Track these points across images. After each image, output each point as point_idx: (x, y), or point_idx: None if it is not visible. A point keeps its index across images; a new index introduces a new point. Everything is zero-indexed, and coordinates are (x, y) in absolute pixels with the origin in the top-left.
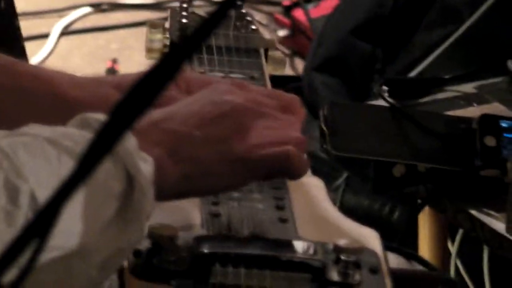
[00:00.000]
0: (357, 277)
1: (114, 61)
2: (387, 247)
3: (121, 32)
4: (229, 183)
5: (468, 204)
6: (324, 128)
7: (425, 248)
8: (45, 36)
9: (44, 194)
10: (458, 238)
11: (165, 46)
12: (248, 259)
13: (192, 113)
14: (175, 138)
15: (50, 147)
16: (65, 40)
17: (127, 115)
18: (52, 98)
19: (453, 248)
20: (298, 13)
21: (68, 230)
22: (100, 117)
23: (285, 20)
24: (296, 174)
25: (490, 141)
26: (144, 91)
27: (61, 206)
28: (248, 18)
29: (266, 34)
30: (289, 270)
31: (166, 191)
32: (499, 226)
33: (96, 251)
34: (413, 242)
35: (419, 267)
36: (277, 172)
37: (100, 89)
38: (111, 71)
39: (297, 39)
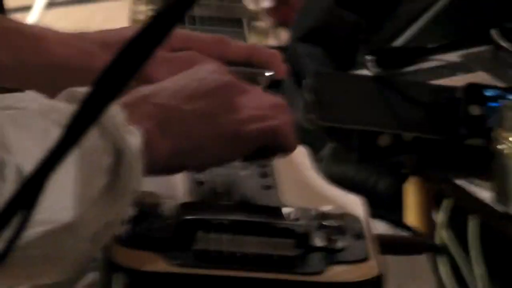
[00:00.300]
0: (340, 242)
1: None
2: (372, 214)
3: (106, 4)
4: (218, 159)
5: (454, 173)
6: (309, 98)
7: (411, 218)
8: (28, 8)
9: (30, 167)
10: (444, 208)
11: None
12: (231, 226)
13: (180, 88)
14: (164, 112)
15: (38, 120)
16: (50, 12)
17: (113, 82)
18: (37, 55)
19: (439, 218)
20: None
21: (57, 204)
22: (83, 90)
23: None
24: (285, 149)
25: (475, 110)
26: (129, 58)
27: (47, 177)
28: None
29: (251, 5)
30: (273, 236)
31: (156, 166)
32: (485, 195)
33: (86, 225)
34: (399, 212)
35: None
36: (266, 146)
37: (85, 46)
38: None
39: (282, 9)
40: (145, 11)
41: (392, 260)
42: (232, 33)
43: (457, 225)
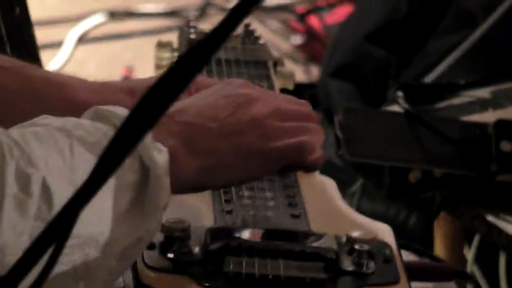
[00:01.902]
0: (370, 266)
1: (130, 69)
2: (400, 244)
3: (136, 40)
4: (245, 175)
5: (484, 209)
6: (339, 134)
7: (442, 254)
8: (59, 44)
9: (55, 182)
10: (474, 243)
11: None
12: (261, 250)
13: (207, 105)
14: (190, 129)
15: (62, 136)
16: (80, 48)
17: (145, 118)
18: (62, 102)
19: (469, 254)
20: (313, 20)
21: (86, 219)
22: (113, 109)
23: (300, 27)
24: (311, 166)
25: (506, 146)
26: (159, 96)
27: (79, 210)
28: (256, 34)
29: (281, 43)
30: (303, 260)
31: (183, 183)
32: None
33: (114, 242)
34: (429, 249)
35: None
36: (292, 164)
37: (111, 93)
38: (127, 79)
39: (312, 46)
40: (169, 58)
41: (421, 286)
42: (258, 76)
43: (487, 260)
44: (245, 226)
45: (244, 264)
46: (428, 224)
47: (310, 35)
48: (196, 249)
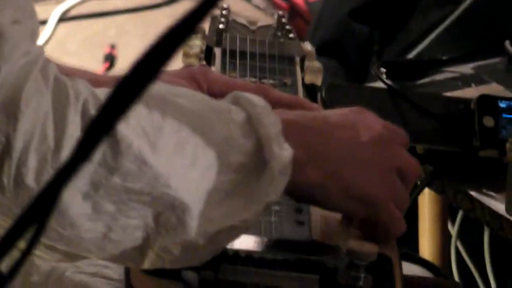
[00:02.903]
0: (367, 282)
1: (112, 46)
2: (402, 254)
3: (119, 18)
4: (349, 210)
5: (468, 185)
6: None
7: (425, 230)
8: (43, 22)
9: (128, 133)
10: (458, 219)
11: (201, 51)
12: (258, 259)
13: (351, 134)
14: (324, 149)
15: (155, 99)
16: (63, 26)
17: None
18: None
19: (453, 230)
20: None
21: (182, 180)
22: (249, 96)
23: (283, 3)
24: (382, 242)
25: (489, 121)
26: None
27: (60, 191)
28: (288, 27)
29: (307, 45)
30: (300, 271)
31: (296, 192)
32: (499, 206)
33: (209, 221)
34: (413, 225)
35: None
36: (381, 228)
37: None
38: (109, 57)
39: (295, 23)
40: (199, 45)
41: None
42: (282, 71)
43: (471, 236)
44: (248, 232)
45: (238, 273)
46: (412, 200)
47: (293, 11)
48: None
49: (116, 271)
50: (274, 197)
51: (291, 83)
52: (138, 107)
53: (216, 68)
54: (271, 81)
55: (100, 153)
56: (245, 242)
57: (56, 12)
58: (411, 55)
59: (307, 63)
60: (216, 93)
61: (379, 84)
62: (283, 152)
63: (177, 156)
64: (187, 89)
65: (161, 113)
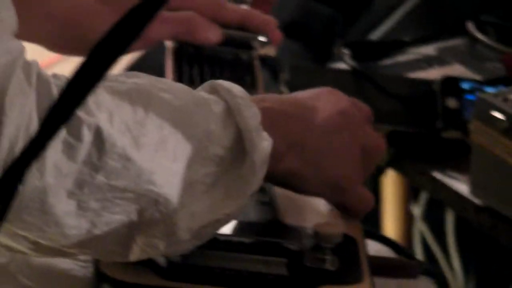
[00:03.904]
0: (334, 263)
1: None
2: (365, 232)
3: None
4: (321, 195)
5: (431, 166)
6: (285, 92)
7: (389, 211)
8: None
9: (112, 132)
10: (421, 201)
11: None
12: (224, 243)
13: (324, 121)
14: (302, 138)
15: (139, 94)
16: None
17: (110, 51)
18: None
19: (417, 211)
20: None
21: (161, 177)
22: (228, 85)
23: None
24: (355, 217)
25: (452, 102)
26: (127, 26)
27: (24, 170)
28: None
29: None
30: (266, 254)
31: (273, 180)
32: (462, 188)
33: (191, 216)
34: (376, 206)
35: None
36: (345, 207)
37: (86, 2)
38: None
39: (257, 5)
40: None
41: None
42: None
43: (434, 218)
44: None
45: (206, 257)
46: (375, 181)
47: None
48: None
49: None
50: (255, 188)
51: (247, 56)
52: (123, 103)
53: None
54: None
55: (85, 152)
56: None
57: None
58: (374, 36)
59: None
60: (172, 6)
61: (342, 66)
62: (263, 142)
63: (160, 152)
64: (173, 82)
65: (144, 109)
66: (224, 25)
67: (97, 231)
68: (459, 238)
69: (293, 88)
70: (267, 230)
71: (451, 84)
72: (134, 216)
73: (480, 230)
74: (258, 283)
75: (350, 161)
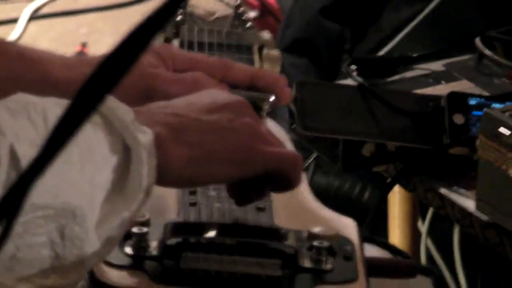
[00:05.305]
0: (329, 263)
1: (84, 44)
2: (365, 238)
3: (90, 16)
4: (229, 174)
5: (438, 182)
6: (293, 108)
7: (396, 227)
8: (14, 21)
9: (24, 150)
10: (428, 217)
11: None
12: (219, 246)
13: (195, 101)
14: (180, 120)
15: (36, 109)
16: (34, 24)
17: (97, 92)
18: (38, 79)
19: (423, 227)
20: None
21: (61, 190)
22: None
23: (254, 1)
24: (294, 183)
25: (459, 118)
26: (112, 68)
27: (30, 186)
28: (245, 17)
29: (265, 33)
30: (261, 256)
31: (170, 174)
32: (469, 204)
33: (99, 222)
34: (383, 222)
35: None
36: (276, 174)
37: (88, 69)
38: (81, 55)
39: (266, 20)
40: (157, 38)
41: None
42: (240, 60)
43: (441, 234)
44: (207, 220)
45: (200, 261)
46: (382, 198)
47: (264, 9)
48: (154, 244)
49: None
50: (150, 180)
51: None
52: (26, 122)
53: None
54: None
55: (4, 174)
56: (207, 230)
57: (27, 10)
58: (382, 52)
59: (265, 52)
60: (180, 69)
61: (349, 82)
62: (144, 134)
63: (67, 165)
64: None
65: (44, 122)
66: (233, 85)
67: (21, 255)
68: (465, 254)
69: (300, 103)
70: (262, 233)
71: (458, 100)
72: (55, 236)
73: (486, 246)
74: (253, 285)
75: (229, 129)
